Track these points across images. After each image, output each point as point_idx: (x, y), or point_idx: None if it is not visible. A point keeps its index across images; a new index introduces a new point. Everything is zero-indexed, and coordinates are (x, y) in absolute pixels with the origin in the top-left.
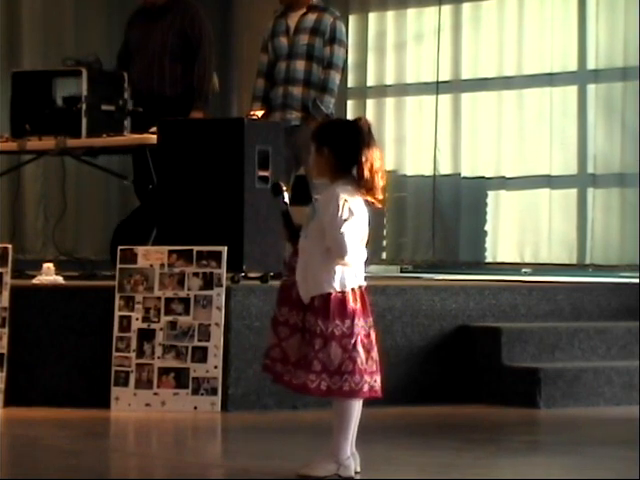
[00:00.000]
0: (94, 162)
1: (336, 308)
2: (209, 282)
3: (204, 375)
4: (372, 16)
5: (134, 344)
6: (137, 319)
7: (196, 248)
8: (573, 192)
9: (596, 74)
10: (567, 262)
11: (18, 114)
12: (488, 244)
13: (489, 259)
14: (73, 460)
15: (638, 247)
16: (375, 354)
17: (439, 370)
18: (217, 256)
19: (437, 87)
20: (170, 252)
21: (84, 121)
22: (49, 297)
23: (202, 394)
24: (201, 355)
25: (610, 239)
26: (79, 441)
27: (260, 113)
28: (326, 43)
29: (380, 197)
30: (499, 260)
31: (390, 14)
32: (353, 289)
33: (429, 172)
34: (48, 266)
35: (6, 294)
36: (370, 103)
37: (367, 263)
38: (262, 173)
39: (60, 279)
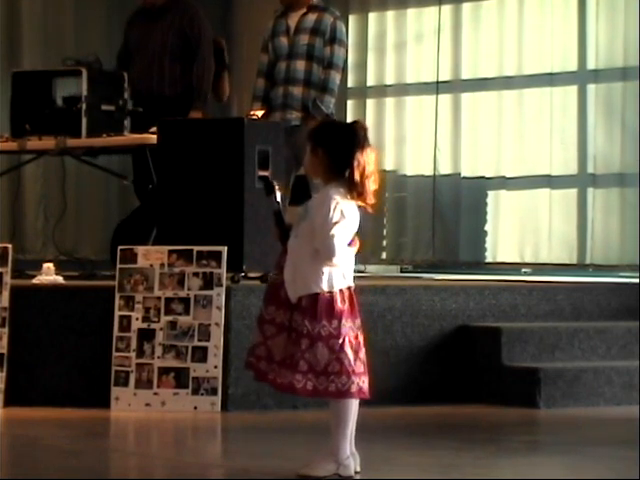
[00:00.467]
0: (94, 162)
1: (323, 308)
2: (209, 282)
3: (204, 375)
4: (372, 16)
5: (134, 344)
6: (137, 319)
7: (196, 248)
8: (573, 192)
9: (596, 74)
10: (567, 262)
11: (18, 114)
12: (488, 244)
13: (489, 259)
14: (73, 460)
15: (638, 247)
16: (363, 355)
17: (439, 370)
18: (217, 256)
19: (437, 87)
20: (170, 252)
21: (84, 121)
22: (49, 297)
23: (202, 394)
24: (201, 355)
25: (610, 239)
26: (79, 441)
27: (260, 113)
28: (326, 43)
29: (371, 201)
30: (499, 260)
31: (390, 14)
32: (341, 290)
33: (429, 172)
34: (48, 266)
35: (6, 294)
36: (370, 103)
37: (362, 262)
38: (262, 173)
39: (60, 279)
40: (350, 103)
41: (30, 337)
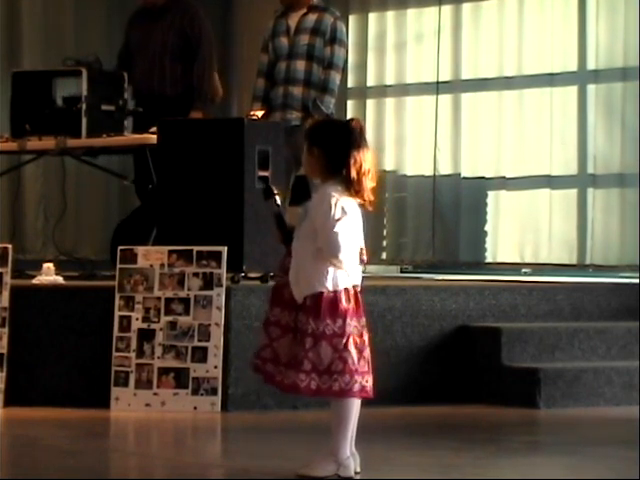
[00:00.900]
0: (94, 162)
1: (327, 307)
2: (209, 282)
3: (204, 375)
4: (372, 16)
5: (134, 344)
6: (137, 319)
7: (196, 248)
8: (573, 192)
9: (596, 74)
10: (567, 262)
11: (18, 114)
12: (488, 244)
13: (489, 259)
14: (73, 460)
15: (638, 247)
16: (367, 354)
17: (439, 370)
18: (217, 256)
19: (437, 87)
20: (170, 252)
21: (84, 121)
22: (49, 297)
23: (202, 394)
24: (201, 355)
25: (610, 239)
26: (79, 441)
27: (260, 113)
28: (326, 43)
29: (369, 199)
30: (499, 260)
31: (390, 14)
32: (346, 289)
33: (429, 172)
34: (48, 266)
35: (6, 294)
36: (370, 103)
37: (367, 263)
38: (262, 173)
39: (60, 279)
40: (350, 103)
41: (30, 337)
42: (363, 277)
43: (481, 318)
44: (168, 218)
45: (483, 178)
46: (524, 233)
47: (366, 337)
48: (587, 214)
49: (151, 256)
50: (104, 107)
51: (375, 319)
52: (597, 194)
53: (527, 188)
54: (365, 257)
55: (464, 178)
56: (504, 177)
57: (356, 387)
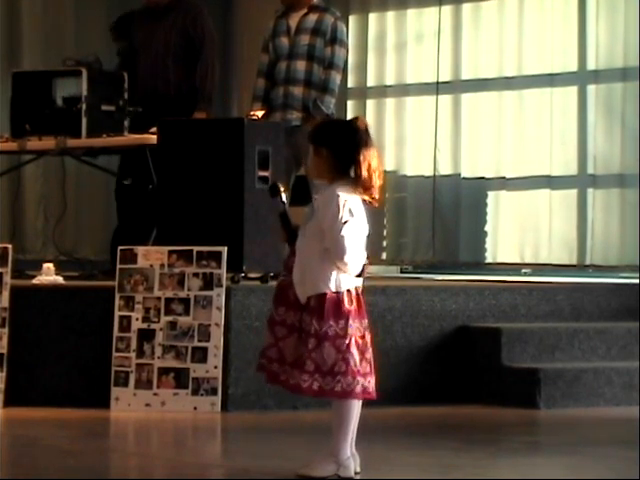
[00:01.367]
0: (94, 162)
1: (331, 308)
2: (209, 282)
3: (204, 375)
4: (372, 16)
5: (134, 344)
6: (137, 319)
7: (196, 248)
8: (573, 192)
9: (596, 74)
10: (567, 262)
11: (18, 114)
12: (488, 244)
13: (489, 259)
14: (73, 460)
15: (638, 247)
16: (370, 355)
17: (439, 370)
18: (217, 256)
19: (437, 87)
20: (170, 252)
21: (84, 121)
22: (49, 297)
23: (202, 394)
24: (201, 355)
25: (610, 239)
26: (79, 441)
27: (260, 113)
28: (327, 43)
29: (377, 196)
30: (499, 260)
31: (390, 14)
32: (349, 290)
33: (429, 172)
34: (48, 266)
35: (6, 294)
36: (370, 103)
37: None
38: (262, 173)
39: (60, 279)
40: (350, 103)
41: (30, 337)
42: (363, 278)
43: (481, 318)
44: (168, 218)
45: (483, 178)
46: (524, 233)
47: (368, 338)
48: (587, 214)
49: (151, 256)
50: (104, 107)
51: (375, 319)
52: (597, 194)
53: (527, 188)
54: (367, 264)
55: (464, 178)
56: (504, 177)
57: (358, 388)
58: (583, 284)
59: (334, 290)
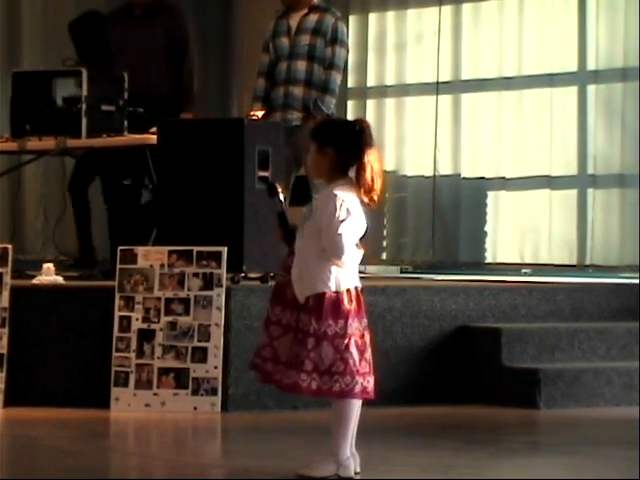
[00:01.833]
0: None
1: (330, 308)
2: (209, 282)
3: (204, 375)
4: (372, 16)
5: (134, 344)
6: (137, 319)
7: (196, 248)
8: (573, 193)
9: (596, 75)
10: (567, 263)
11: (18, 114)
12: (488, 245)
13: (489, 259)
14: (73, 460)
15: (638, 248)
16: (369, 355)
17: (439, 370)
18: (217, 256)
19: (437, 87)
20: (170, 252)
21: (84, 121)
22: (49, 297)
23: (202, 394)
24: (201, 355)
25: (610, 240)
26: (79, 441)
27: (260, 113)
28: (327, 44)
29: (376, 198)
30: (499, 260)
31: (390, 14)
32: (348, 290)
33: (429, 172)
34: (48, 266)
35: (6, 294)
36: (370, 103)
37: (364, 262)
38: (262, 173)
39: (60, 279)
40: (350, 103)
41: (30, 337)
42: (363, 277)
43: (481, 318)
44: (168, 218)
45: (483, 178)
46: (524, 233)
47: (367, 338)
48: (587, 214)
49: (151, 256)
50: (104, 107)
51: (375, 319)
52: (597, 194)
53: (527, 188)
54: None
55: (464, 178)
56: (504, 177)
57: (357, 388)
58: (583, 284)
59: (334, 290)
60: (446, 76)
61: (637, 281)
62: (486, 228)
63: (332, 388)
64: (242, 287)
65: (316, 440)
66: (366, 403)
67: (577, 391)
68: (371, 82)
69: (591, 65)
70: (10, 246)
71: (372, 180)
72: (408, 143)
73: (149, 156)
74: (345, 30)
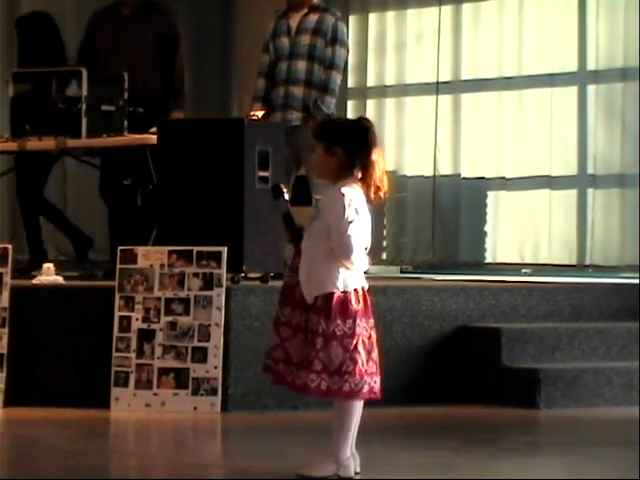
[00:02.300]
0: (94, 162)
1: (338, 308)
2: (209, 282)
3: (204, 375)
4: (372, 16)
5: (134, 344)
6: (137, 319)
7: (196, 248)
8: (573, 193)
9: (596, 75)
10: (567, 263)
11: (18, 114)
12: (488, 245)
13: (489, 259)
14: (73, 460)
15: (638, 248)
16: (375, 355)
17: (439, 370)
18: (217, 256)
19: (437, 87)
20: (170, 252)
21: (84, 121)
22: (49, 297)
23: (202, 394)
24: (201, 355)
25: (610, 240)
26: (79, 441)
27: (260, 113)
28: (327, 44)
29: (382, 195)
30: (499, 261)
31: (390, 14)
32: (356, 290)
33: (429, 172)
34: (48, 266)
35: (6, 294)
36: (370, 103)
37: (370, 262)
38: (262, 173)
39: (60, 279)
40: (350, 103)
41: (30, 337)
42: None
43: (481, 318)
44: (168, 218)
45: (483, 178)
46: (524, 233)
47: (374, 338)
48: (587, 214)
49: (151, 256)
50: (104, 107)
51: (375, 319)
52: (597, 194)
53: (527, 188)
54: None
55: (464, 178)
56: (504, 177)
57: (365, 388)
58: (583, 284)
59: (342, 290)
60: (446, 76)
61: (637, 281)
62: (486, 228)
63: (342, 388)
64: (242, 287)
65: (316, 440)
66: (366, 403)
67: (577, 391)
68: (371, 82)
69: (591, 65)
70: (10, 246)
71: (380, 179)
72: (408, 143)
73: (149, 156)
74: (345, 30)
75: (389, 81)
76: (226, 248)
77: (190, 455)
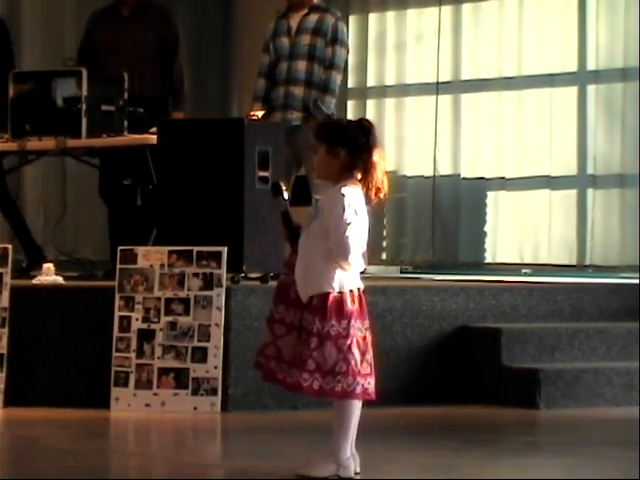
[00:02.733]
0: (94, 162)
1: (333, 308)
2: (209, 282)
3: (204, 375)
4: (372, 17)
5: (134, 344)
6: (137, 319)
7: (196, 248)
8: (573, 193)
9: (596, 75)
10: (567, 263)
11: (18, 114)
12: (488, 245)
13: (489, 260)
14: (73, 460)
15: (638, 248)
16: (370, 357)
17: (439, 370)
18: (217, 256)
19: (437, 88)
20: (170, 252)
21: (84, 121)
22: (49, 297)
23: (202, 394)
24: (201, 355)
25: (610, 240)
26: (79, 441)
27: (260, 113)
28: (327, 44)
29: (382, 196)
30: (499, 261)
31: (390, 14)
32: (351, 290)
33: (429, 172)
34: (48, 266)
35: (6, 294)
36: (370, 103)
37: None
38: (262, 173)
39: (60, 279)
40: (350, 104)
41: (30, 337)
42: (363, 277)
43: (481, 318)
44: (168, 218)
45: (483, 178)
46: (524, 234)
47: (369, 339)
48: (587, 214)
49: (151, 256)
50: (104, 107)
51: (375, 320)
52: (597, 194)
53: (527, 189)
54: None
55: (464, 178)
56: (504, 178)
57: (358, 389)
58: (583, 284)
59: (338, 290)
60: (446, 76)
61: (637, 281)
62: (486, 228)
63: (334, 388)
64: (242, 287)
65: (316, 440)
66: (366, 403)
67: (577, 391)
68: (371, 82)
69: (591, 65)
70: (10, 246)
71: (381, 180)
72: (408, 143)
73: (149, 156)
74: (345, 30)
75: (389, 81)
76: (226, 248)
77: (190, 455)
